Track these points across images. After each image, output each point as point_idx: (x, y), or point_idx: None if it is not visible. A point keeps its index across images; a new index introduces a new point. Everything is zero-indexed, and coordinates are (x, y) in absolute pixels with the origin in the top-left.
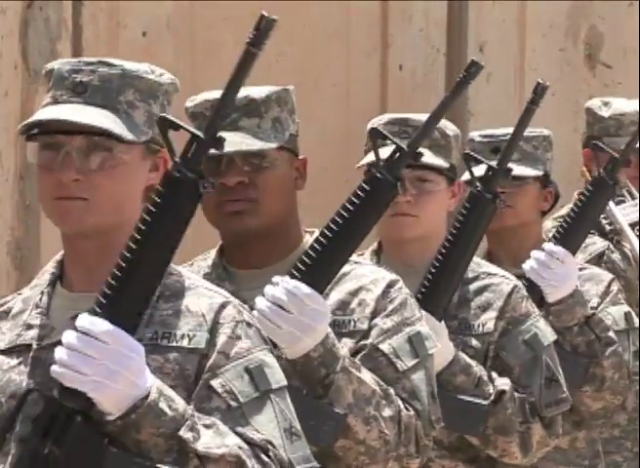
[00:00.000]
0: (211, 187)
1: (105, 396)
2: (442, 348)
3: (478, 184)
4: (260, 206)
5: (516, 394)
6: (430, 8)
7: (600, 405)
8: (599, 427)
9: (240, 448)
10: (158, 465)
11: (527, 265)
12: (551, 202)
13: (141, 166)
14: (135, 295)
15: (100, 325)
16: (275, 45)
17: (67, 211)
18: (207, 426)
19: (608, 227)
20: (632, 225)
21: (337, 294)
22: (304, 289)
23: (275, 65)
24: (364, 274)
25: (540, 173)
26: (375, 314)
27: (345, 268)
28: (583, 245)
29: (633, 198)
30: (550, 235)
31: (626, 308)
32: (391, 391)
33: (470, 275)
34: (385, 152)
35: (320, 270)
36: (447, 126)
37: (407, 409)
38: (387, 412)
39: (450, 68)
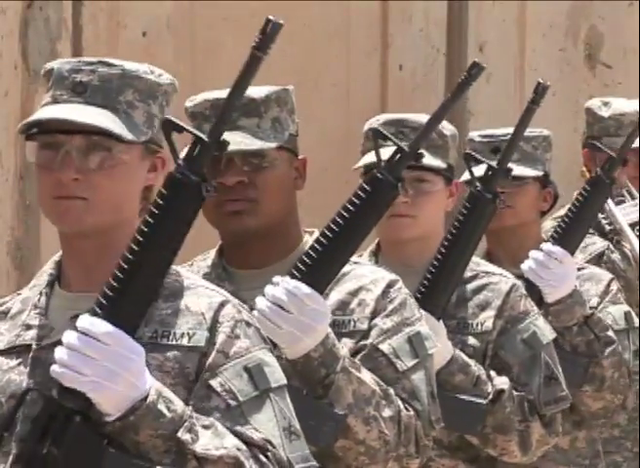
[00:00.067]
0: (213, 190)
1: (104, 397)
2: (440, 348)
3: (478, 184)
4: (259, 206)
5: (515, 392)
6: (430, 8)
7: (600, 404)
8: (599, 427)
9: (239, 449)
10: (157, 466)
11: (525, 265)
12: (550, 202)
13: (140, 166)
14: (136, 297)
15: (101, 326)
16: (275, 45)
17: (66, 210)
18: (205, 427)
19: (608, 227)
20: (632, 225)
21: (336, 294)
22: (305, 289)
23: (275, 65)
24: (364, 274)
25: (540, 173)
26: (374, 314)
27: (345, 268)
28: (583, 245)
29: (633, 198)
30: (549, 235)
31: (626, 307)
32: (391, 391)
33: (469, 274)
34: (385, 153)
35: (320, 270)
36: (444, 126)
37: (407, 409)
38: (387, 413)
39: (450, 68)
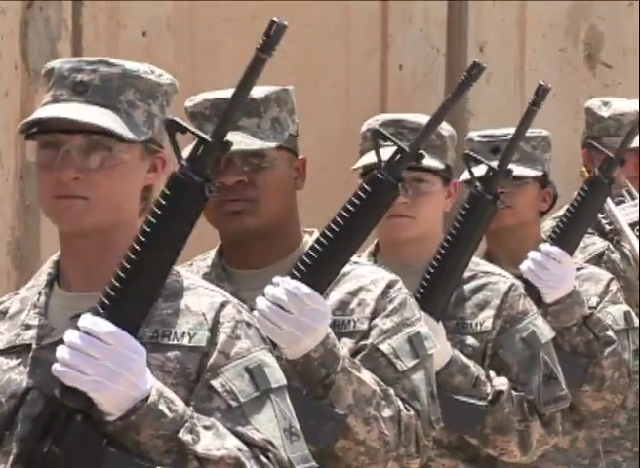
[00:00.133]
0: (216, 191)
1: (106, 396)
2: (439, 349)
3: (478, 185)
4: (259, 206)
5: (514, 392)
6: (430, 8)
7: (600, 404)
8: (599, 427)
9: (240, 450)
10: (157, 467)
11: (524, 266)
12: (550, 202)
13: (140, 166)
14: (138, 297)
15: (103, 325)
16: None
17: (67, 209)
18: (206, 428)
19: (608, 227)
20: (632, 225)
21: (336, 295)
22: (305, 289)
23: (275, 65)
24: (364, 274)
25: (539, 173)
26: (374, 314)
27: (345, 268)
28: (583, 245)
29: (633, 198)
30: (547, 235)
31: (626, 307)
32: (391, 391)
33: (467, 274)
34: (385, 153)
35: (320, 270)
36: (442, 126)
37: (407, 409)
38: (387, 413)
39: (450, 68)
